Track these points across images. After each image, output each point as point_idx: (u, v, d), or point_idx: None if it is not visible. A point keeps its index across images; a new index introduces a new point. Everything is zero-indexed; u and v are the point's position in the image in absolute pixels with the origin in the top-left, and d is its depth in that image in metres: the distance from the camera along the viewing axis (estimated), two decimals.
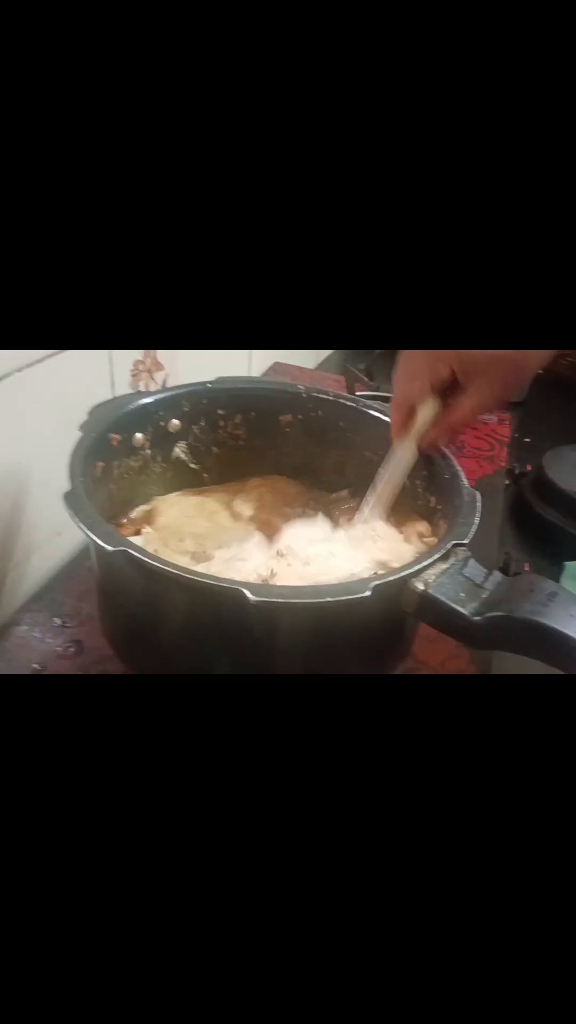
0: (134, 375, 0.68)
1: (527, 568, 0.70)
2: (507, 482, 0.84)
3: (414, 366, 0.45)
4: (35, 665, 0.49)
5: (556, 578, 0.73)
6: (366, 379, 1.08)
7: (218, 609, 0.34)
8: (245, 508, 0.53)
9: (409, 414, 0.47)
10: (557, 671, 0.34)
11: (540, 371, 1.17)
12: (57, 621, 0.53)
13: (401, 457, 0.48)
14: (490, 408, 0.45)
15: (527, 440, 1.04)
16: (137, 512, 0.53)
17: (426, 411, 0.46)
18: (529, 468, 0.89)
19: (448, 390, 0.45)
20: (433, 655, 0.53)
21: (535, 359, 0.44)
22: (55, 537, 0.62)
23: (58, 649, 0.51)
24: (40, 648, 0.51)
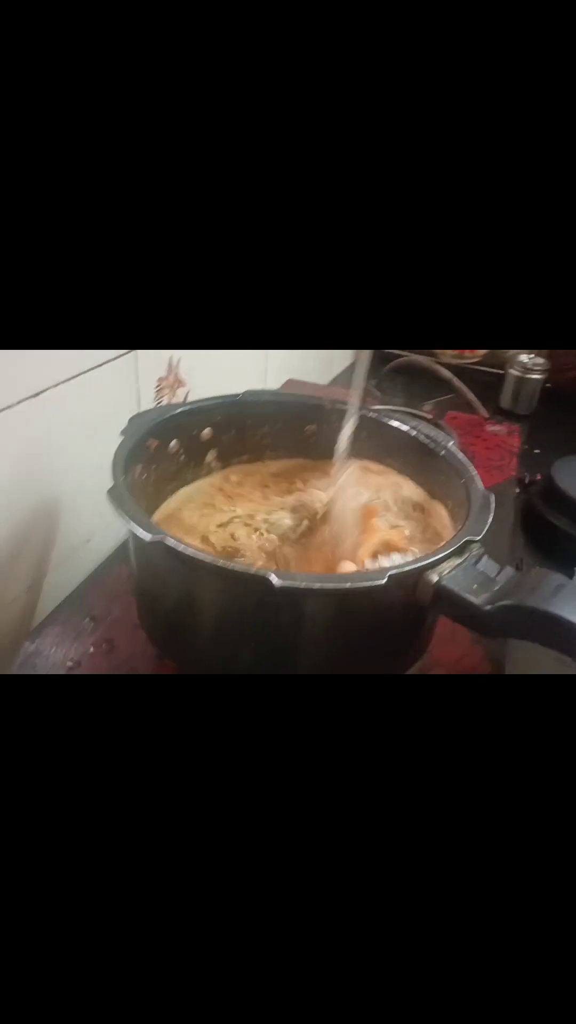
0: (158, 390, 0.72)
1: None
2: (517, 490, 0.86)
3: None
4: (69, 663, 0.52)
5: None
6: (377, 393, 1.12)
7: (246, 594, 0.37)
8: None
9: None
10: (564, 660, 0.37)
11: (546, 383, 1.21)
12: (89, 622, 0.56)
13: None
14: None
15: (536, 451, 1.07)
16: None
17: None
18: (539, 477, 0.91)
19: None
20: (448, 653, 0.55)
21: None
22: (85, 545, 0.65)
23: (91, 648, 0.54)
24: (74, 646, 0.54)
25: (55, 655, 0.53)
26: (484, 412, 1.07)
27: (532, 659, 0.51)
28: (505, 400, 1.21)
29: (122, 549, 0.67)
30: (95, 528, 0.66)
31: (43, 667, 0.52)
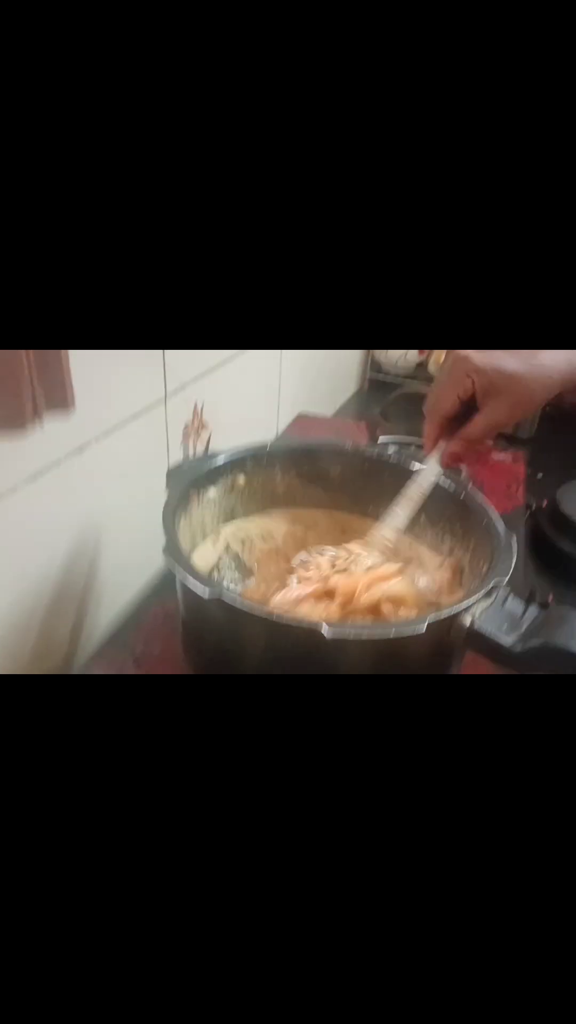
0: (184, 436, 0.75)
1: (551, 599, 0.76)
2: (525, 519, 0.90)
3: (445, 380, 0.50)
4: None
5: None
6: (384, 421, 1.16)
7: (297, 643, 0.40)
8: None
9: (441, 425, 0.51)
10: None
11: (545, 407, 1.25)
12: (132, 662, 0.59)
13: (429, 469, 0.53)
14: (501, 426, 0.49)
15: (539, 476, 1.11)
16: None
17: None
18: (545, 503, 0.95)
19: (467, 410, 0.50)
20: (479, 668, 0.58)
21: (543, 386, 0.47)
22: (122, 588, 0.68)
23: None
24: None
25: None
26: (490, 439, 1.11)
27: None
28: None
29: (158, 585, 0.70)
30: (129, 569, 0.69)
31: None
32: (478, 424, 0.49)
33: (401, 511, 0.54)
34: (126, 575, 0.69)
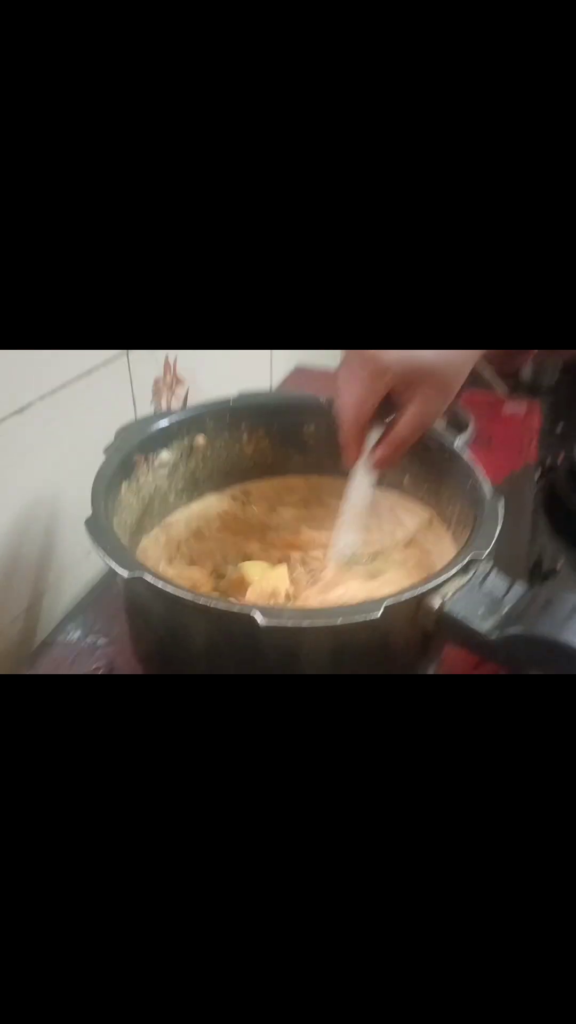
0: (155, 393, 0.69)
1: (559, 566, 0.69)
2: (538, 477, 0.82)
3: (356, 385, 0.44)
4: None
5: None
6: None
7: (231, 632, 0.34)
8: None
9: (362, 434, 0.46)
10: None
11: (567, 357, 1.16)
12: (89, 641, 0.55)
13: (360, 483, 0.48)
14: (431, 421, 0.45)
15: (559, 429, 1.02)
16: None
17: (373, 435, 0.46)
18: (561, 459, 0.87)
19: (387, 407, 0.45)
20: (465, 660, 0.52)
21: (457, 368, 0.43)
22: (85, 558, 0.63)
23: (92, 670, 0.52)
24: (73, 668, 0.52)
25: None
26: (504, 388, 1.02)
27: None
28: (525, 373, 1.16)
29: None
30: None
31: None
32: (407, 422, 0.44)
33: (346, 535, 0.48)
34: (91, 548, 0.64)
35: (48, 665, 0.52)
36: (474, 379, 1.04)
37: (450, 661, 0.51)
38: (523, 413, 0.91)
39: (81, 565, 0.63)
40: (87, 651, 0.54)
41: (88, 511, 0.55)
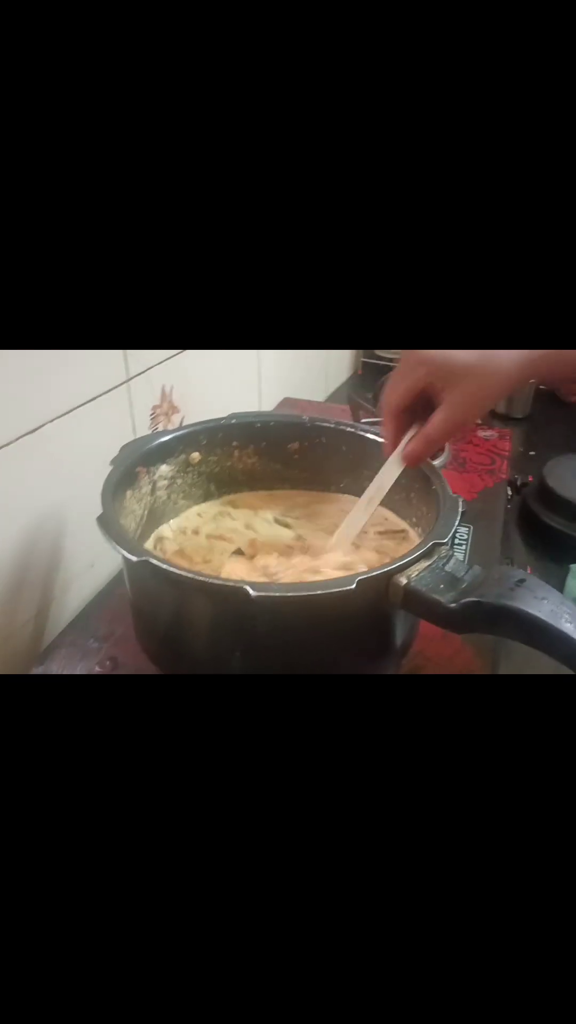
0: (152, 418, 0.75)
1: (529, 570, 0.74)
2: (509, 493, 0.88)
3: (396, 377, 0.48)
4: None
5: (562, 580, 0.77)
6: (371, 407, 1.14)
7: (226, 605, 0.40)
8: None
9: (398, 425, 0.50)
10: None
11: (541, 386, 1.23)
12: (93, 642, 0.59)
13: (388, 470, 0.52)
14: (461, 422, 0.48)
15: (531, 453, 1.09)
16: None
17: (411, 431, 0.51)
18: (531, 479, 0.93)
19: (428, 406, 0.48)
20: (439, 651, 0.57)
21: (499, 379, 0.46)
22: (89, 569, 0.68)
23: (96, 667, 0.57)
24: (80, 666, 0.57)
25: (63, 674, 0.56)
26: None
27: (524, 658, 0.53)
28: (499, 404, 1.23)
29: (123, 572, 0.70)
30: (98, 553, 0.69)
31: None
32: (437, 421, 0.47)
33: (362, 513, 0.53)
34: (95, 561, 0.69)
35: (57, 662, 0.57)
36: None
37: (429, 651, 0.56)
38: (495, 438, 0.97)
39: (85, 576, 0.68)
40: (93, 650, 0.58)
41: (90, 527, 0.60)
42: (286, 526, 0.60)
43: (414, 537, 0.57)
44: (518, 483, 0.91)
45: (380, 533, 0.59)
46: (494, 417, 1.20)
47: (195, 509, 0.61)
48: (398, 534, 0.57)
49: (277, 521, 0.60)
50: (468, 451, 0.93)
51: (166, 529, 0.59)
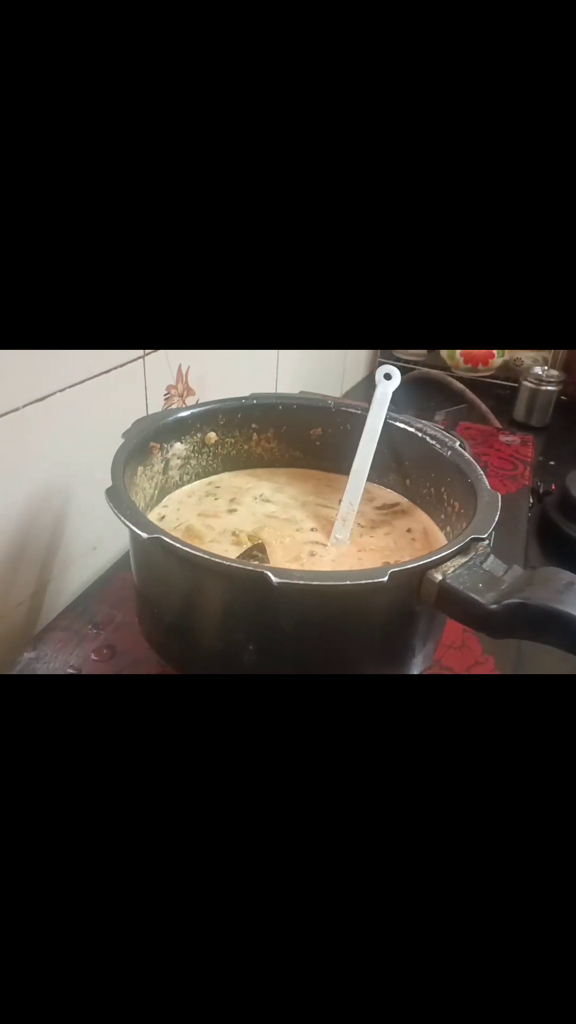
0: (167, 399, 0.72)
1: None
2: (531, 500, 0.85)
3: None
4: (70, 668, 0.51)
5: None
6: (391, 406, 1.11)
7: (244, 592, 0.36)
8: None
9: None
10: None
11: (563, 397, 1.20)
12: (92, 628, 0.55)
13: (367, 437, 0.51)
14: None
15: (551, 463, 1.05)
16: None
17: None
18: (553, 488, 0.90)
19: None
20: (459, 661, 0.54)
21: None
22: (91, 551, 0.65)
23: (93, 655, 0.53)
24: (76, 652, 0.53)
25: (56, 661, 0.52)
26: (497, 423, 1.06)
27: (549, 670, 0.49)
28: (519, 412, 1.20)
29: (127, 556, 0.67)
30: (103, 536, 0.65)
31: (43, 671, 0.51)
32: None
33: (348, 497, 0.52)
34: (99, 541, 0.65)
35: (51, 647, 0.53)
36: (470, 414, 1.08)
37: (448, 661, 0.53)
38: (518, 443, 0.94)
39: (86, 558, 0.64)
40: (90, 636, 0.55)
41: (95, 505, 0.57)
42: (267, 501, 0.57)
43: (411, 508, 0.54)
44: (540, 491, 0.88)
45: (378, 509, 0.56)
46: (513, 425, 1.17)
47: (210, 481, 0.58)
48: (394, 507, 0.55)
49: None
50: (490, 455, 0.89)
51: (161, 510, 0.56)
